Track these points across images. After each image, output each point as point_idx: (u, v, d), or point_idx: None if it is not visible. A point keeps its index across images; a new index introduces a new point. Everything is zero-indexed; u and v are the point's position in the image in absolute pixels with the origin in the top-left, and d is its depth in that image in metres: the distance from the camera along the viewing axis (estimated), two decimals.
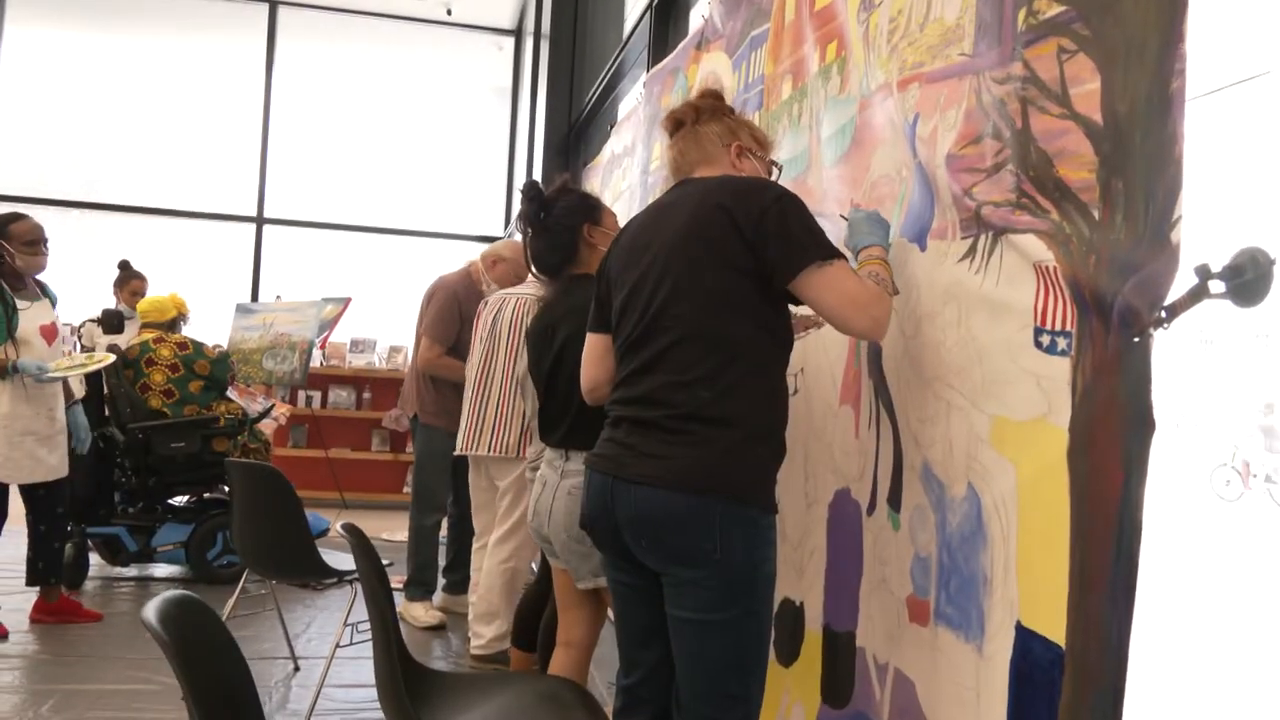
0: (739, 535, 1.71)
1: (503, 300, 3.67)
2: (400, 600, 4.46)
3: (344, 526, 2.10)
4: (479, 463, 3.72)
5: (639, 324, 1.83)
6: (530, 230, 2.51)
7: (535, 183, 2.53)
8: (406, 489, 8.07)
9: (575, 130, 6.75)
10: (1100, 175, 1.39)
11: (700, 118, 2.02)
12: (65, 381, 4.11)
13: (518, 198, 8.93)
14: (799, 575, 2.36)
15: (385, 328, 8.42)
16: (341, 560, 3.50)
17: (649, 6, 4.83)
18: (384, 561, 2.23)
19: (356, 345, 8.26)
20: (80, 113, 9.08)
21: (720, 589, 1.71)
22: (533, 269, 2.58)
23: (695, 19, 4.20)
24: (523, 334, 3.49)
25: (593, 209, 2.54)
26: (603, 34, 6.62)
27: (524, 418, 3.52)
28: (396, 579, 5.10)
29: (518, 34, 9.83)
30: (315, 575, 3.35)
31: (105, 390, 4.95)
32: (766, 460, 1.78)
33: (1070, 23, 1.46)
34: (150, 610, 1.25)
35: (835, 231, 1.94)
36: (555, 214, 2.48)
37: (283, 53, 9.43)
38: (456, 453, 3.77)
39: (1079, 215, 1.43)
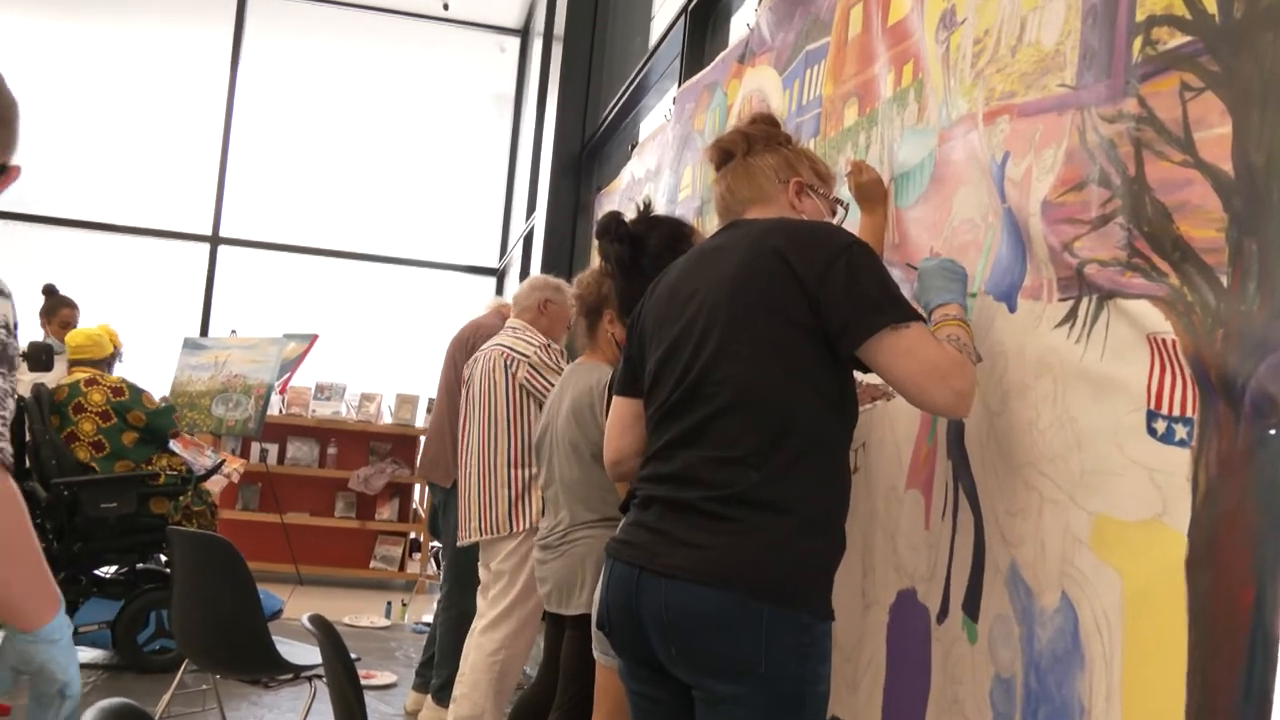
0: (789, 645, 1.70)
1: (477, 356, 3.77)
2: (412, 697, 4.54)
3: (310, 620, 2.10)
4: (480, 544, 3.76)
5: (677, 388, 1.83)
6: (621, 274, 2.51)
7: (618, 217, 2.51)
8: (374, 563, 8.07)
9: (589, 148, 6.82)
10: (1230, 235, 1.40)
11: (753, 148, 2.04)
12: None
13: (517, 222, 8.86)
14: (852, 691, 2.34)
15: (357, 371, 8.46)
16: (297, 650, 3.49)
17: (683, 10, 4.91)
18: (351, 655, 2.23)
19: (322, 391, 8.29)
20: None
21: (764, 709, 1.70)
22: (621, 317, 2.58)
23: (738, 27, 4.26)
24: (495, 391, 3.57)
25: (689, 239, 2.49)
26: (626, 38, 6.71)
27: (513, 487, 3.56)
28: (363, 674, 5.09)
29: (524, 34, 9.98)
30: (268, 670, 3.34)
31: (28, 438, 4.97)
32: (824, 555, 1.77)
33: (1196, 55, 1.48)
34: None
35: (906, 286, 1.96)
36: (651, 253, 2.45)
37: (250, 47, 9.59)
38: (459, 543, 3.82)
39: (1204, 281, 1.44)
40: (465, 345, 4.67)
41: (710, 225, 2.23)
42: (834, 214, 2.07)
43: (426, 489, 6.77)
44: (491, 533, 3.58)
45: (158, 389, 6.15)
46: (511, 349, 3.66)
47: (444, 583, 4.68)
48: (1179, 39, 1.52)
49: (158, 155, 9.35)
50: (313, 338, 7.72)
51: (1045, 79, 1.84)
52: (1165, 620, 1.44)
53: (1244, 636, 1.33)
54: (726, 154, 2.06)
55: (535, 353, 3.61)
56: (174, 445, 5.45)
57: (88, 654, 5.23)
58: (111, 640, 4.98)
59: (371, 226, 9.59)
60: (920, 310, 1.86)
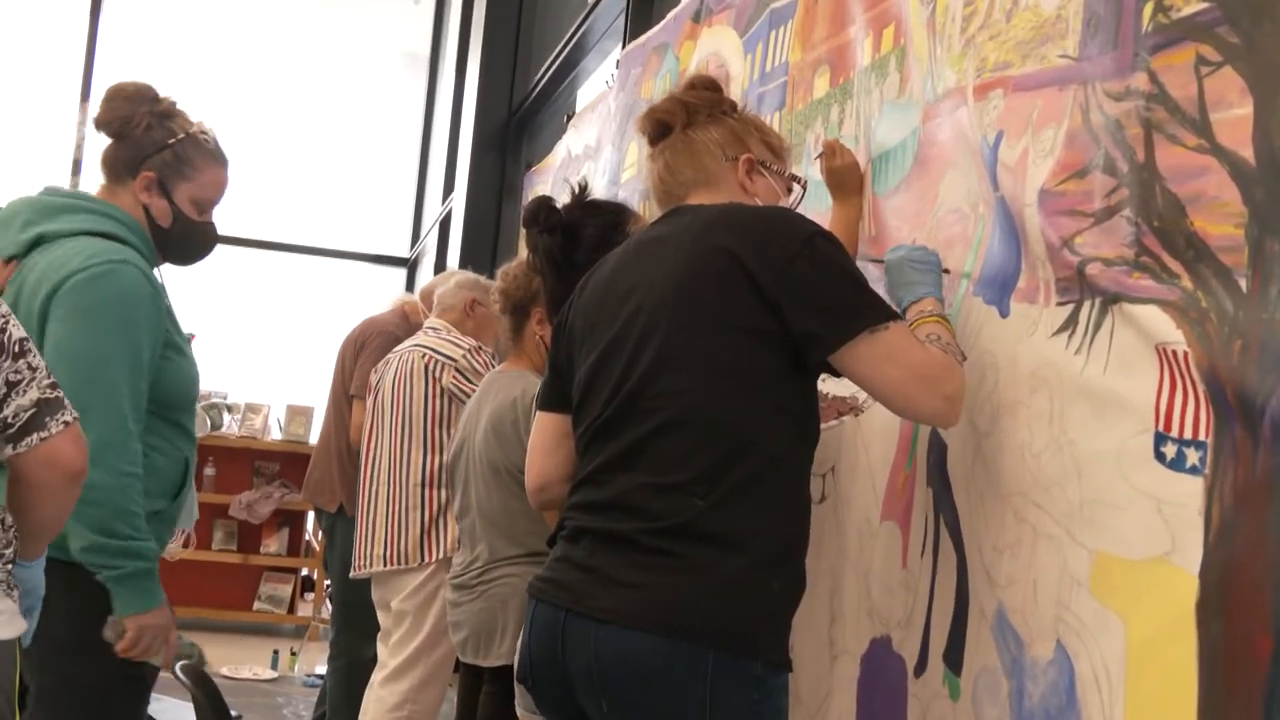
0: (738, 700, 1.71)
1: (389, 359, 3.77)
2: None
3: (183, 670, 2.08)
4: (376, 580, 3.73)
5: (611, 402, 1.83)
6: (551, 270, 2.48)
7: (548, 202, 2.49)
8: (259, 604, 7.97)
9: (517, 119, 6.80)
10: (1250, 232, 1.43)
11: (694, 119, 2.04)
12: None
13: (432, 205, 8.76)
14: None
15: (240, 379, 8.37)
16: (166, 708, 3.46)
17: None
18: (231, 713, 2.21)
19: (199, 401, 8.18)
20: None
21: None
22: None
23: None
24: (410, 398, 3.56)
25: (627, 225, 2.48)
26: None
27: (427, 510, 3.54)
28: None
29: None
30: None
31: None
32: (780, 596, 1.79)
33: (1213, 25, 1.50)
34: None
35: (880, 286, 1.97)
36: (586, 246, 2.42)
37: None
38: (352, 574, 3.80)
39: (1220, 284, 1.46)
40: (355, 345, 4.64)
41: (657, 211, 2.23)
42: (789, 192, 2.08)
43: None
44: (398, 563, 3.54)
45: None
46: (434, 350, 3.64)
47: (332, 625, 4.63)
48: (1194, 6, 1.54)
49: (1, 122, 9.18)
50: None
51: (1044, 49, 1.86)
52: (1173, 673, 1.46)
53: (1260, 692, 1.36)
54: (663, 126, 2.06)
55: (464, 355, 3.59)
56: None
57: None
58: None
59: (260, 208, 9.44)
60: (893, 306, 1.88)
